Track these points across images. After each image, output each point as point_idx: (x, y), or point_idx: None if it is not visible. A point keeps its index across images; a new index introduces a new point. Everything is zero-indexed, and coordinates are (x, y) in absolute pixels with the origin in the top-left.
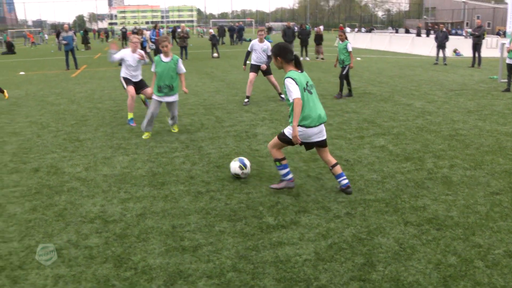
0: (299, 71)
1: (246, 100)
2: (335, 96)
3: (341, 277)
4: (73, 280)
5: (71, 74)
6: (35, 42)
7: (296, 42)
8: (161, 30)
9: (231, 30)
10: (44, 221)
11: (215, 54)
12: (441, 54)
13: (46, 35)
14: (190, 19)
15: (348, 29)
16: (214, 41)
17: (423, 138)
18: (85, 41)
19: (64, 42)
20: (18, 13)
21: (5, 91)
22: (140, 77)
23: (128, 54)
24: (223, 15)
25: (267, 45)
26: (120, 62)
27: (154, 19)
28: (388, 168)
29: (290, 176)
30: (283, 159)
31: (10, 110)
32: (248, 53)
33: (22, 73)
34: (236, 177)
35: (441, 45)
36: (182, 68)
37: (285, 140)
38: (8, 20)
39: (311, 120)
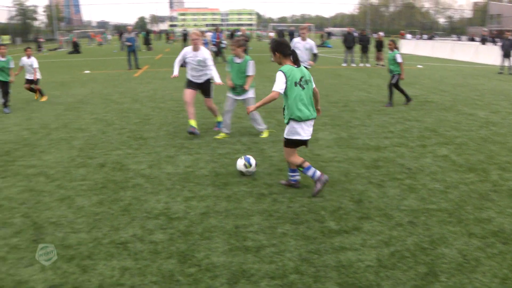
0: (296, 66)
1: None
2: (385, 106)
3: (404, 285)
4: (139, 273)
5: (134, 73)
6: (102, 42)
7: (357, 48)
8: (221, 33)
9: (291, 34)
10: (111, 215)
11: None
12: (506, 63)
13: (109, 36)
14: (249, 22)
15: (409, 36)
16: None
17: (488, 149)
18: (147, 42)
19: (127, 43)
20: (83, 15)
21: (44, 95)
22: (205, 78)
23: (188, 52)
24: (282, 19)
25: (310, 43)
26: (183, 64)
27: (214, 22)
28: (451, 178)
29: (318, 173)
30: (303, 162)
31: (77, 107)
32: None
33: (87, 71)
34: (241, 173)
35: (506, 54)
36: (249, 70)
37: (291, 143)
38: (75, 21)
39: (302, 114)
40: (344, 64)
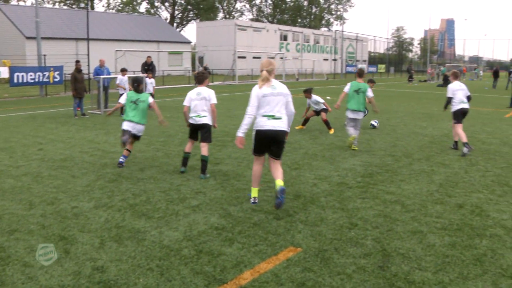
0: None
1: None
2: None
3: None
4: None
5: (505, 114)
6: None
7: None
8: None
9: None
10: (461, 261)
11: None
12: None
13: (481, 72)
14: None
15: None
16: None
17: None
18: None
19: None
20: (456, 49)
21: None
22: None
23: None
24: None
25: None
26: None
27: None
28: None
29: None
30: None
31: (442, 141)
32: None
33: None
34: None
35: None
36: None
37: None
38: (447, 54)
39: None
40: None
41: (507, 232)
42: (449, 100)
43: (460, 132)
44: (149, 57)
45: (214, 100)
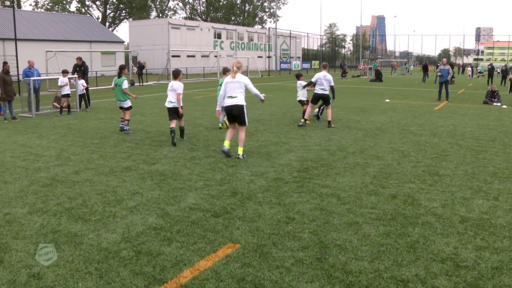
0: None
1: None
2: None
3: None
4: None
5: (434, 107)
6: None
7: None
8: None
9: None
10: (396, 249)
11: None
12: None
13: (411, 66)
14: None
15: None
16: None
17: None
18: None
19: (439, 74)
20: (387, 44)
21: None
22: None
23: None
24: None
25: None
26: None
27: None
28: None
29: None
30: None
31: (375, 134)
32: None
33: (387, 100)
34: None
35: None
36: None
37: None
38: (379, 50)
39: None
40: None
41: (437, 219)
42: (310, 83)
43: (308, 110)
44: (78, 58)
45: (179, 91)
